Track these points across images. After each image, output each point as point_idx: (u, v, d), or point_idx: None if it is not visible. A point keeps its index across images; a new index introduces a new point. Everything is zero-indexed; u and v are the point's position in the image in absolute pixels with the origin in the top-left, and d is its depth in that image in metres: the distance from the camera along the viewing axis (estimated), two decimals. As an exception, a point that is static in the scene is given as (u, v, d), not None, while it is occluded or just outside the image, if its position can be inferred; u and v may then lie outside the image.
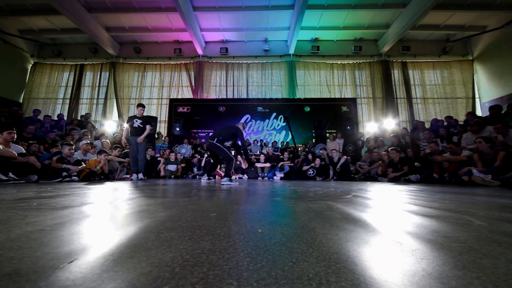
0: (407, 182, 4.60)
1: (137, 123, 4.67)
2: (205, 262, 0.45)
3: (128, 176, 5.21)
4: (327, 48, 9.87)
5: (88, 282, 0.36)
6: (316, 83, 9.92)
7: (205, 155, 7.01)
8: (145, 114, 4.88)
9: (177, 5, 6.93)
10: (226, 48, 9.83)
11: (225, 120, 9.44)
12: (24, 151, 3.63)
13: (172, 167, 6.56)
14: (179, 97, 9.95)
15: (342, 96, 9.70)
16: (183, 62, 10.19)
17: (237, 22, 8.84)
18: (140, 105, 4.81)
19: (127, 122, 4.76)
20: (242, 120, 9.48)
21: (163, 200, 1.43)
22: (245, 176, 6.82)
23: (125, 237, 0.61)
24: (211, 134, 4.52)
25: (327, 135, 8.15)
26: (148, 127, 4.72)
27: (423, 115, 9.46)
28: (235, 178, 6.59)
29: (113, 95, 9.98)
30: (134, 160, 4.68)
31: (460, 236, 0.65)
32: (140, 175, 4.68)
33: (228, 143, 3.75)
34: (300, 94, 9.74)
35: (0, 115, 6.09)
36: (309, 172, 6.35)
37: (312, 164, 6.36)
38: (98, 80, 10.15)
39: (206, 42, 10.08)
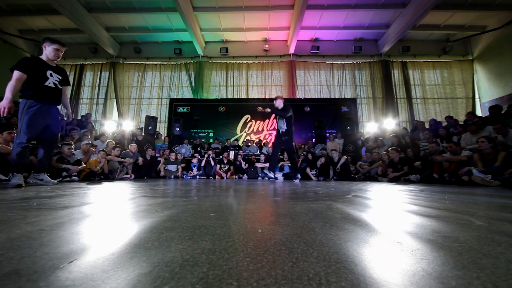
0: (407, 182, 4.60)
1: (52, 79, 2.58)
2: (205, 262, 0.45)
3: (128, 176, 5.21)
4: (327, 48, 9.87)
5: (88, 282, 0.36)
6: (316, 83, 9.93)
7: (206, 155, 7.01)
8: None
9: (177, 5, 6.93)
10: (226, 48, 9.83)
11: (225, 120, 9.45)
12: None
13: (172, 167, 6.56)
14: (179, 97, 9.96)
15: (342, 96, 9.71)
16: (183, 62, 10.20)
17: (237, 22, 8.84)
18: (55, 42, 2.57)
19: (24, 69, 2.43)
20: (242, 120, 9.49)
21: (163, 200, 1.43)
22: (245, 176, 6.82)
23: (125, 237, 0.61)
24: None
25: (327, 135, 8.15)
26: (63, 89, 2.74)
27: (423, 115, 9.46)
28: (235, 178, 6.60)
29: (113, 95, 9.99)
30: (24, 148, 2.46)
31: (460, 236, 0.65)
32: (16, 179, 2.26)
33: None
34: (300, 94, 9.75)
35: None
36: (312, 172, 6.34)
37: (318, 166, 6.34)
38: (98, 80, 10.16)
39: (206, 42, 10.09)
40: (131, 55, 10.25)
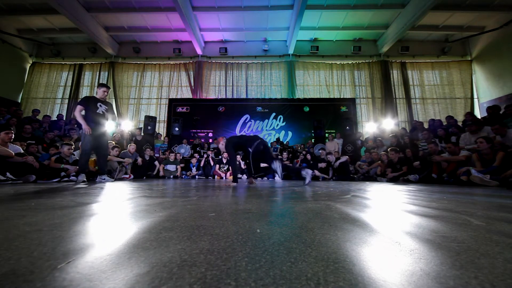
0: (406, 182, 4.61)
1: (101, 109, 3.81)
2: (203, 262, 0.44)
3: (127, 176, 5.20)
4: (326, 48, 9.88)
5: (85, 283, 0.35)
6: (315, 83, 9.93)
7: (205, 156, 7.00)
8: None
9: (177, 5, 6.92)
10: (226, 48, 9.83)
11: (225, 120, 9.45)
12: (22, 151, 3.62)
13: (171, 167, 6.55)
14: (178, 97, 9.94)
15: (341, 96, 9.72)
16: (182, 62, 10.18)
17: (237, 22, 8.84)
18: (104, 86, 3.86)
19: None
20: (242, 120, 9.49)
21: (161, 200, 1.43)
22: (244, 176, 6.82)
23: (123, 237, 0.61)
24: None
25: (326, 135, 8.16)
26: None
27: (422, 115, 9.49)
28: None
29: (112, 95, 9.95)
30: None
31: (458, 236, 0.65)
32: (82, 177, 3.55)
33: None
34: (299, 94, 9.76)
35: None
36: (312, 173, 6.31)
37: (320, 166, 6.30)
38: (97, 80, 10.12)
39: (205, 42, 10.08)
40: (130, 54, 10.22)
